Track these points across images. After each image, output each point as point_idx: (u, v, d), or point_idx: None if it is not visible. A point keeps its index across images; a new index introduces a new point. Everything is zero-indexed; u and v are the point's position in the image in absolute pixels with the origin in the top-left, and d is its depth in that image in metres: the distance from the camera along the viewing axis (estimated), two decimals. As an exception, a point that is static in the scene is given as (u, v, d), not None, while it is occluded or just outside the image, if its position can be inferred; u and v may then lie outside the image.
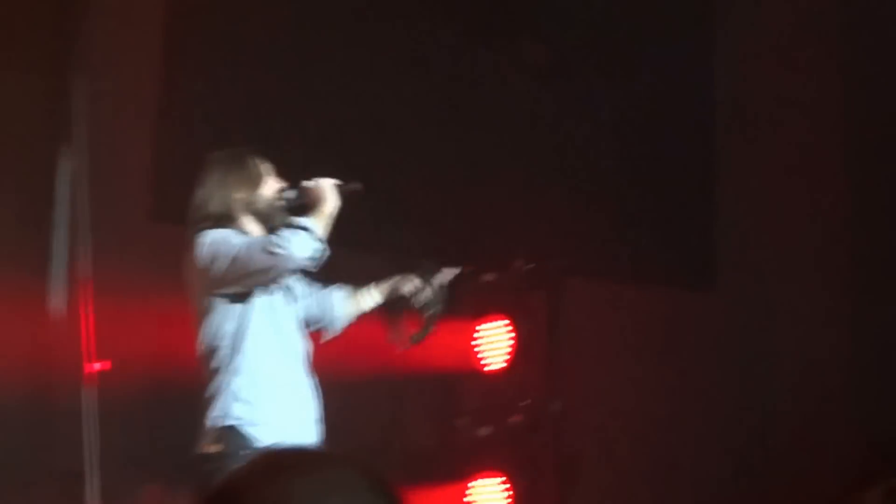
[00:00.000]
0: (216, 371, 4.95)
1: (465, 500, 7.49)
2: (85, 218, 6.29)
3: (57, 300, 6.80)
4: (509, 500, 7.48)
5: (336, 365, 5.53)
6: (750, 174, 8.27)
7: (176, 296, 5.62)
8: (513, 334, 7.71)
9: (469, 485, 7.49)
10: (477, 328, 7.79)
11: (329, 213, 4.83)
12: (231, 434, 4.84)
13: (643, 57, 8.05)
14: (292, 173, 5.06)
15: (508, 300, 7.80)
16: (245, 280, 4.80)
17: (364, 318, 5.36)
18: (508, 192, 7.88)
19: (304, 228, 4.73)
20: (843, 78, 8.16)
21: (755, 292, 8.20)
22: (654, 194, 8.12)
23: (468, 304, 7.76)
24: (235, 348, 4.94)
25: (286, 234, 4.73)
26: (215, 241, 4.85)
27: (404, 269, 5.33)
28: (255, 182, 5.00)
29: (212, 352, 4.96)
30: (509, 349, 7.71)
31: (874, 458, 7.17)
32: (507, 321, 7.76)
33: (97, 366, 6.04)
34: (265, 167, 5.04)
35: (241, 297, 4.87)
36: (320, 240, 4.74)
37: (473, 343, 7.79)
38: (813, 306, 8.06)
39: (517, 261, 7.79)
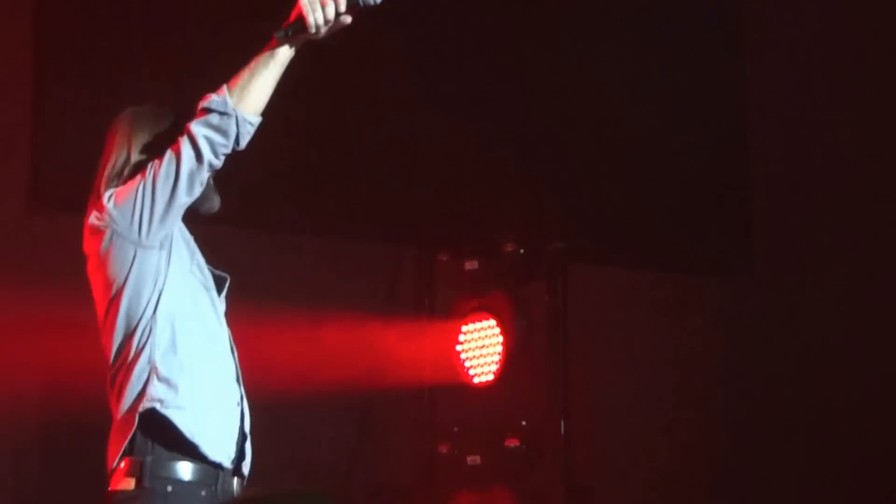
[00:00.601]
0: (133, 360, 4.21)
1: None
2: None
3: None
4: None
5: (288, 377, 5.37)
6: (787, 153, 8.09)
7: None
8: (503, 338, 7.10)
9: None
10: (461, 330, 7.19)
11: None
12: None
13: (671, 31, 7.93)
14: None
15: (498, 295, 7.21)
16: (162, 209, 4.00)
17: (327, 324, 5.18)
18: (498, 162, 7.41)
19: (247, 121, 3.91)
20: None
21: (795, 280, 7.96)
22: (681, 171, 7.85)
23: (448, 301, 7.30)
24: (153, 324, 4.18)
25: (206, 145, 3.90)
26: (116, 192, 4.05)
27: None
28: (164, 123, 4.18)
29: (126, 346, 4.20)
30: (499, 356, 7.12)
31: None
32: (495, 321, 7.16)
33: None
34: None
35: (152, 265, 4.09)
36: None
37: (457, 349, 7.19)
38: (859, 294, 7.82)
39: (507, 245, 7.21)
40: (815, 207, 8.01)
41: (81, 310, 6.09)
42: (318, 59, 6.38)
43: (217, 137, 3.91)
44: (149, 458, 4.18)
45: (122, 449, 4.21)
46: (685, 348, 7.70)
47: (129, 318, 4.20)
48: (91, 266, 4.26)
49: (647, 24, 7.88)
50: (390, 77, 7.40)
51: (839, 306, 7.80)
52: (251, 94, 3.92)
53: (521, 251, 7.15)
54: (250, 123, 3.91)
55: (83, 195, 6.37)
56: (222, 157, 3.95)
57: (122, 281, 4.09)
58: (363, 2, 3.85)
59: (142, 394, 4.21)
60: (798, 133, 8.04)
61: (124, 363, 4.28)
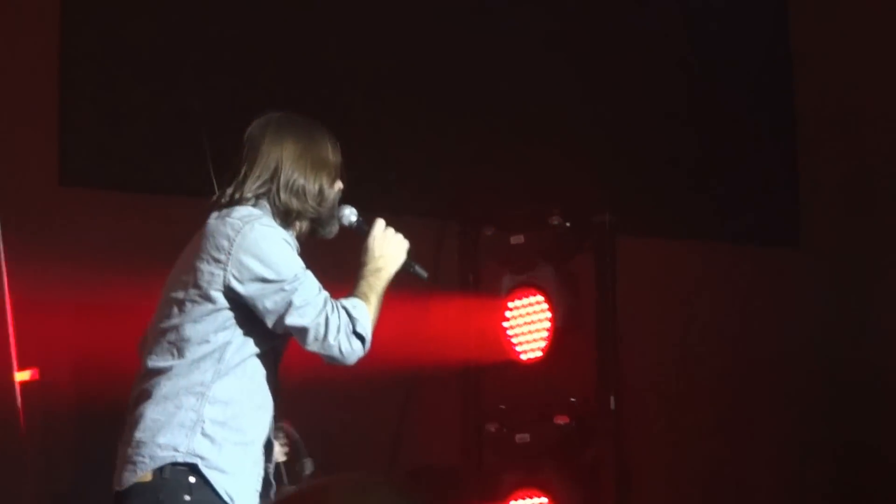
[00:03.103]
0: (176, 385, 4.48)
1: None
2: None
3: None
4: None
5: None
6: (833, 119, 7.99)
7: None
8: (551, 313, 6.99)
9: None
10: (507, 306, 7.08)
11: (383, 286, 4.60)
12: (182, 478, 4.39)
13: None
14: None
15: (544, 269, 7.10)
16: (275, 329, 4.45)
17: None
18: (543, 135, 7.36)
19: (363, 340, 4.46)
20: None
21: (842, 248, 7.87)
22: (728, 141, 7.84)
23: (494, 276, 7.19)
24: (221, 370, 4.48)
25: (349, 340, 4.45)
26: (285, 262, 4.45)
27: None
28: (332, 175, 4.53)
29: (182, 355, 4.49)
30: (548, 332, 7.01)
31: None
32: (542, 296, 7.04)
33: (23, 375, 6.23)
34: (338, 156, 4.61)
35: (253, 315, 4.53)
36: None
37: (503, 325, 7.10)
38: None
39: (553, 218, 7.09)
40: (864, 176, 7.87)
41: (110, 286, 6.42)
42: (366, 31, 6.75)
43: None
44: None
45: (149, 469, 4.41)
46: (734, 319, 7.60)
47: (218, 322, 4.44)
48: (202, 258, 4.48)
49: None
50: (438, 49, 7.37)
51: (886, 277, 7.65)
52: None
53: (568, 224, 7.04)
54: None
55: (110, 171, 6.76)
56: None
57: (230, 307, 4.38)
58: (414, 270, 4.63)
59: (181, 434, 4.41)
60: (848, 100, 7.90)
61: (180, 354, 4.48)
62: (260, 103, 6.26)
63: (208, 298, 4.45)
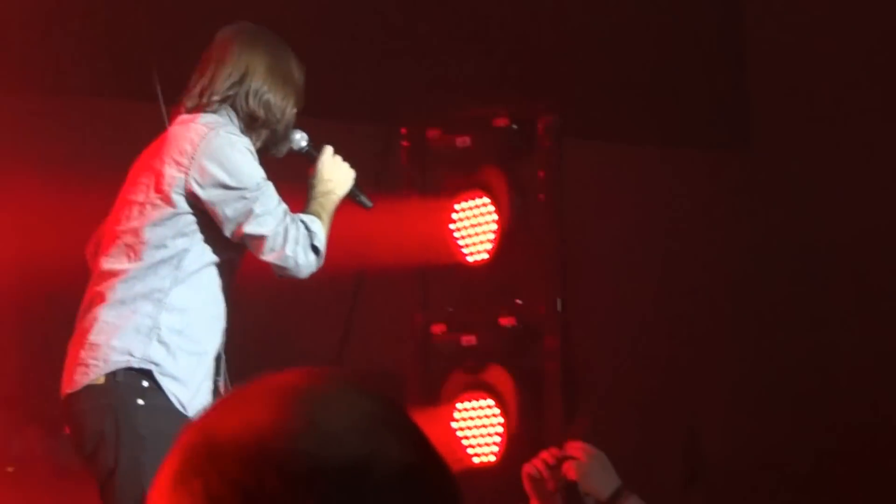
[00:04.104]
0: (132, 289, 4.61)
1: (452, 427, 6.94)
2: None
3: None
4: (501, 426, 6.88)
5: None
6: (784, 22, 7.89)
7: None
8: (497, 216, 7.02)
9: (455, 408, 6.93)
10: (453, 208, 7.09)
11: (333, 209, 4.81)
12: (135, 381, 4.56)
13: None
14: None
15: (491, 171, 7.11)
16: (232, 237, 4.62)
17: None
18: (486, 30, 7.29)
19: (318, 253, 4.68)
20: None
21: (793, 152, 7.81)
22: (675, 40, 7.81)
23: (440, 177, 7.22)
24: (179, 277, 4.61)
25: (306, 252, 4.67)
26: (248, 172, 4.63)
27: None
28: (294, 96, 4.76)
29: (140, 258, 4.62)
30: (494, 234, 7.03)
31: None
32: (489, 198, 7.06)
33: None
34: (302, 79, 4.84)
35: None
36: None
37: (450, 227, 7.11)
38: (855, 166, 7.67)
39: (499, 120, 7.06)
40: (812, 77, 7.78)
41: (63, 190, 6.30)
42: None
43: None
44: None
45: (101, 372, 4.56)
46: (682, 222, 7.59)
47: (178, 227, 4.54)
48: (159, 160, 4.58)
49: None
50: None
51: (836, 178, 7.62)
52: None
53: (514, 126, 6.99)
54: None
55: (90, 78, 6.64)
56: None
57: (191, 211, 4.51)
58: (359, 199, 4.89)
59: (137, 340, 4.55)
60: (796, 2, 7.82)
61: (137, 256, 4.58)
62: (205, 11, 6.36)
63: (169, 202, 4.52)
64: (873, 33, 7.58)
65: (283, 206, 4.73)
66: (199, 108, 4.70)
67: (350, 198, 4.90)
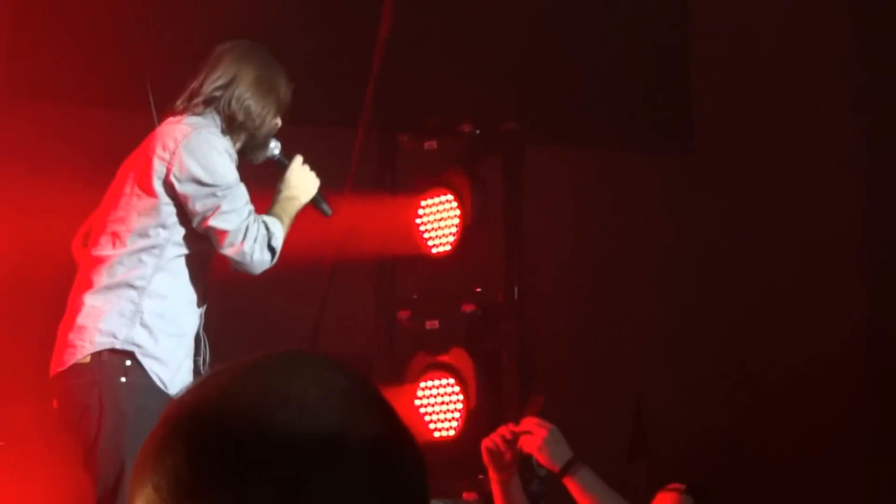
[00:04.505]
0: (117, 275, 4.69)
1: (416, 404, 7.02)
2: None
3: None
4: (461, 403, 6.99)
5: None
6: (726, 28, 8.22)
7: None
8: (460, 211, 7.20)
9: (418, 386, 7.02)
10: (419, 204, 7.26)
11: (294, 214, 4.91)
12: (119, 361, 4.64)
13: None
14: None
15: (455, 172, 7.30)
16: (199, 230, 4.73)
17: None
18: (452, 44, 7.44)
19: (274, 253, 4.76)
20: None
21: (735, 156, 8.10)
22: (625, 53, 8.00)
23: (408, 177, 7.39)
24: (159, 265, 4.71)
25: (263, 250, 4.74)
26: (222, 171, 4.71)
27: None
28: (277, 108, 4.89)
29: (124, 245, 4.70)
30: (456, 228, 7.20)
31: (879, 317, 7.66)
32: (452, 195, 7.24)
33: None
34: (288, 96, 4.96)
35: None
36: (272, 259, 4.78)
37: (416, 222, 7.28)
38: (794, 168, 7.99)
39: (464, 126, 7.27)
40: (750, 86, 8.06)
41: (55, 187, 6.48)
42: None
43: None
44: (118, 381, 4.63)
45: (87, 353, 4.64)
46: (630, 221, 7.81)
47: (160, 218, 4.66)
48: (146, 157, 4.69)
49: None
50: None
51: (773, 179, 7.91)
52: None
53: (478, 131, 7.21)
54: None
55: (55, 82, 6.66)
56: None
57: (171, 202, 4.64)
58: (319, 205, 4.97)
59: (121, 323, 4.63)
60: (737, 11, 8.06)
61: (122, 243, 4.69)
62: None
63: (151, 193, 4.68)
64: (808, 43, 7.90)
65: (250, 206, 4.81)
66: (186, 110, 4.79)
67: (313, 204, 5.01)
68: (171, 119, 4.81)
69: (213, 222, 4.69)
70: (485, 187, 7.22)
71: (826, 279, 7.70)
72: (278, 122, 4.94)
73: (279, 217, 4.86)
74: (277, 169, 4.96)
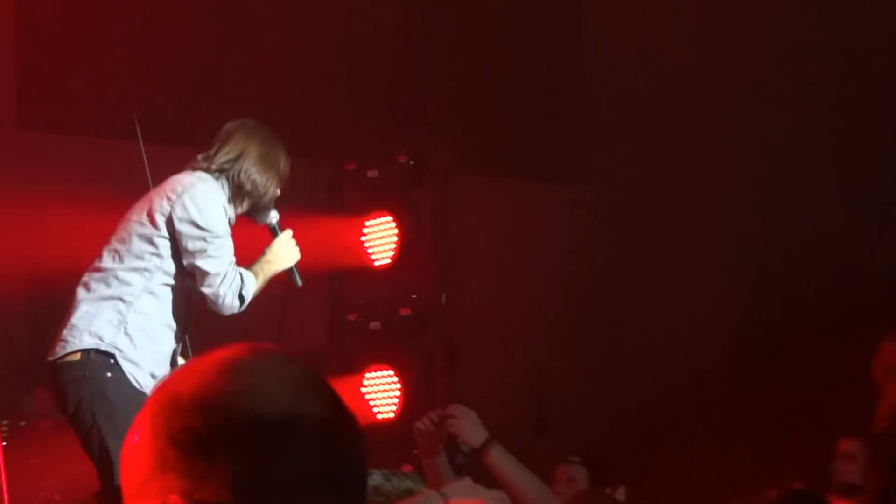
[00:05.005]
0: (110, 287, 4.90)
1: (361, 391, 7.42)
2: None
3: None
4: (399, 391, 7.48)
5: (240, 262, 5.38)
6: (620, 74, 8.41)
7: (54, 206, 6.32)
8: (397, 231, 7.65)
9: (363, 376, 7.43)
10: (364, 224, 7.71)
11: (269, 276, 5.02)
12: (104, 360, 4.83)
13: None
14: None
15: (394, 197, 7.76)
16: (186, 266, 4.88)
17: (262, 226, 5.33)
18: (392, 87, 7.88)
19: (242, 301, 4.87)
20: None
21: (627, 184, 8.40)
22: (530, 94, 8.25)
23: (354, 201, 7.84)
24: (148, 287, 4.90)
25: (234, 297, 4.88)
26: (215, 222, 4.86)
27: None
28: (277, 181, 5.01)
29: (122, 261, 4.90)
30: (395, 244, 7.64)
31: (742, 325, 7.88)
32: (391, 217, 7.69)
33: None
34: (287, 170, 5.09)
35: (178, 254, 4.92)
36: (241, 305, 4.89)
37: (361, 239, 7.70)
38: (685, 198, 8.24)
39: (400, 157, 7.74)
40: (645, 120, 8.31)
41: (64, 214, 6.71)
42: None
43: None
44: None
45: (76, 347, 4.81)
46: (538, 239, 8.22)
47: (156, 247, 4.85)
48: (153, 202, 4.89)
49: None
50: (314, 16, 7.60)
51: (667, 206, 8.20)
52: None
53: (411, 162, 7.70)
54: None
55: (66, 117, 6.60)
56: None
57: (168, 237, 4.86)
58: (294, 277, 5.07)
59: (108, 329, 4.81)
60: (631, 55, 8.34)
61: (121, 259, 4.87)
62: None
63: (154, 224, 4.87)
64: (697, 76, 8.12)
65: (232, 258, 4.91)
66: (198, 168, 5.02)
67: (288, 273, 5.13)
68: (187, 170, 5.03)
69: (199, 262, 4.84)
70: (418, 209, 7.70)
71: (696, 293, 8.03)
72: (278, 191, 5.09)
73: (255, 274, 4.99)
74: (271, 234, 5.14)
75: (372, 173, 7.77)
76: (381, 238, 7.73)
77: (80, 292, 4.92)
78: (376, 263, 7.70)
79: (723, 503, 5.77)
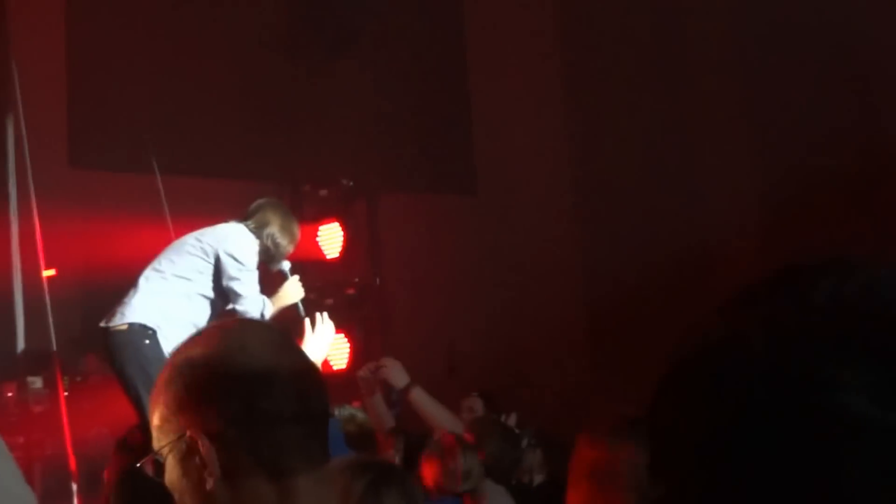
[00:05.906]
0: (163, 284, 5.56)
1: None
2: (25, 165, 7.05)
3: (13, 223, 7.34)
4: (348, 349, 8.81)
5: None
6: (498, 101, 9.34)
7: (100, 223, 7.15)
8: (342, 233, 9.00)
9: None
10: (318, 229, 9.04)
11: (282, 306, 5.80)
12: (145, 331, 5.48)
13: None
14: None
15: (339, 208, 9.09)
16: (221, 283, 5.62)
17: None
18: (338, 127, 8.99)
19: (263, 315, 5.61)
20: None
21: (508, 197, 9.44)
22: (427, 124, 9.16)
23: (311, 212, 9.09)
24: (187, 294, 5.55)
25: (256, 314, 5.62)
26: (249, 260, 5.62)
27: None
28: (292, 243, 5.98)
29: (173, 269, 5.58)
30: (341, 242, 8.99)
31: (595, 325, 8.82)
32: (338, 223, 9.07)
33: (48, 272, 7.13)
34: (297, 238, 5.95)
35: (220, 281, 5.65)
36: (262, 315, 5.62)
37: (316, 239, 9.03)
38: (544, 207, 9.28)
39: (343, 179, 9.13)
40: (530, 135, 9.30)
41: (108, 226, 7.52)
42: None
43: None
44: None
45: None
46: (441, 236, 9.33)
47: (200, 269, 5.57)
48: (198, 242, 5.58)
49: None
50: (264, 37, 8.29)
51: (543, 214, 9.10)
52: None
53: (351, 183, 9.03)
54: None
55: (114, 154, 7.04)
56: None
57: (211, 263, 5.60)
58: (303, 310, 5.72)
59: (154, 312, 5.44)
60: (510, 70, 9.17)
61: (174, 267, 5.53)
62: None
63: (203, 254, 5.67)
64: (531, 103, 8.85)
65: (258, 286, 5.63)
66: (240, 223, 5.74)
67: (294, 306, 5.83)
68: (233, 222, 5.76)
69: (234, 285, 5.58)
70: (357, 218, 9.01)
71: (550, 282, 8.92)
72: (291, 249, 5.86)
73: (273, 302, 5.81)
74: (282, 277, 5.91)
75: (322, 192, 9.12)
76: (330, 239, 9.02)
77: (141, 281, 5.62)
78: (328, 256, 8.98)
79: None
